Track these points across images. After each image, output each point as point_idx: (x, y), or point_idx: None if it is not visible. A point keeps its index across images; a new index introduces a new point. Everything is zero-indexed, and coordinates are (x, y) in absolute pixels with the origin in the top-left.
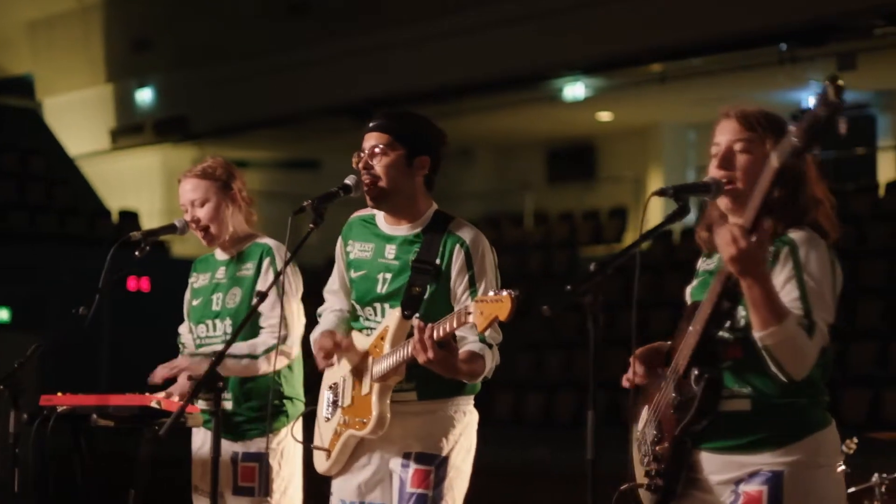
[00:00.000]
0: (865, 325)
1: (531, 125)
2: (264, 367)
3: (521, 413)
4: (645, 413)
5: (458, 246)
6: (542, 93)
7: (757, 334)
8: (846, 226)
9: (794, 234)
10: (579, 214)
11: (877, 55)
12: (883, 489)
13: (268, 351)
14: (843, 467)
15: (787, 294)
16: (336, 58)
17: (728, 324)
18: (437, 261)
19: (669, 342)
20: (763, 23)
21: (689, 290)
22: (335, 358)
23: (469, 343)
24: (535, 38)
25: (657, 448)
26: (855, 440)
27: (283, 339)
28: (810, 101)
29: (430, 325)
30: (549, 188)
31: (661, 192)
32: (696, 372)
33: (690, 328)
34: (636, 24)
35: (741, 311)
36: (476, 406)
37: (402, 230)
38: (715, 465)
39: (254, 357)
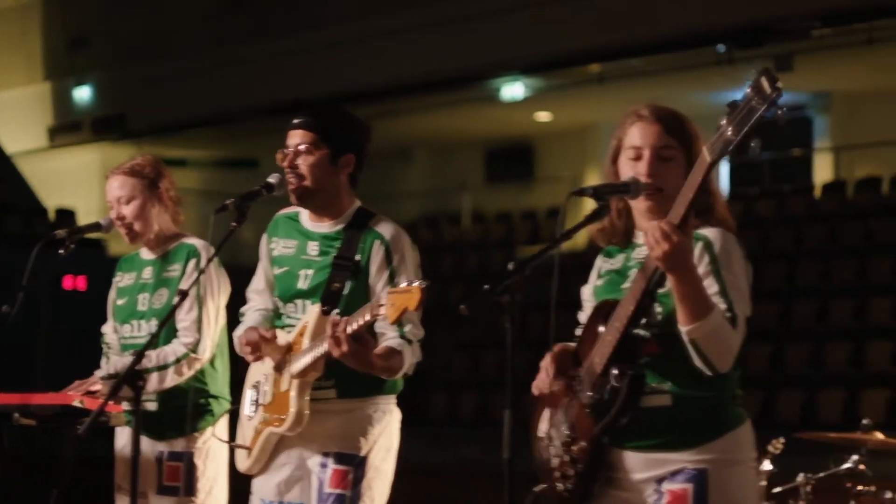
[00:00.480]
0: (801, 325)
1: (469, 125)
2: (174, 378)
3: (457, 413)
4: (547, 415)
5: (377, 242)
6: (481, 93)
7: (684, 328)
8: (783, 227)
9: (707, 231)
10: (517, 214)
11: (814, 57)
12: (808, 489)
13: (178, 361)
14: (770, 467)
15: (707, 289)
16: (274, 57)
17: (644, 321)
18: (357, 257)
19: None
20: (701, 24)
21: (589, 288)
22: (263, 349)
23: (388, 339)
24: (473, 37)
25: (573, 449)
26: (781, 440)
27: (194, 346)
28: (746, 92)
29: (343, 318)
30: (487, 188)
31: (580, 192)
32: (616, 370)
33: (605, 326)
34: (574, 25)
35: (657, 307)
36: (412, 406)
37: (325, 227)
38: (636, 463)
39: (163, 368)
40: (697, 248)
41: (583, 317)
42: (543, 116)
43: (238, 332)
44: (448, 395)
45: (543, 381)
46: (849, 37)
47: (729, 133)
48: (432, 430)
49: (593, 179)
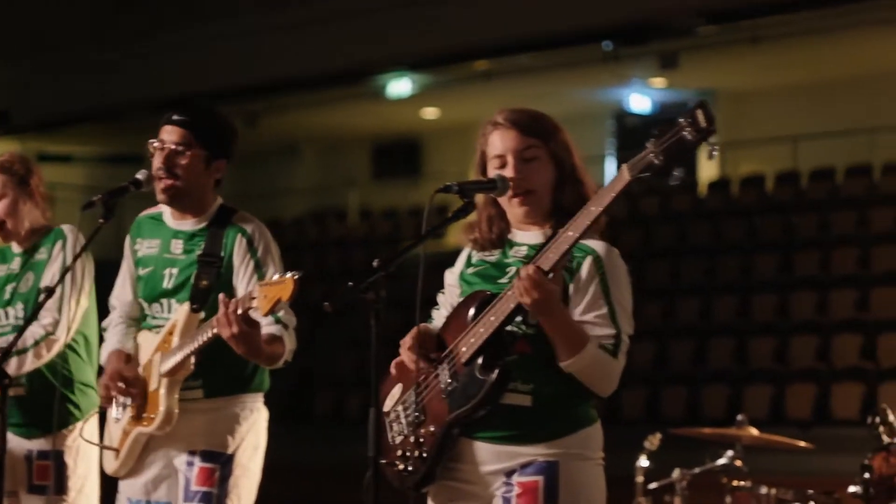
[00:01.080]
0: (685, 322)
1: (356, 121)
2: (34, 362)
3: (343, 411)
4: (397, 392)
5: (239, 236)
6: (367, 89)
7: (562, 363)
8: (668, 225)
9: (594, 244)
10: (404, 211)
11: (699, 54)
12: (684, 484)
13: (37, 343)
14: (647, 463)
15: (596, 309)
16: (160, 52)
17: (519, 318)
18: (222, 253)
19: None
20: (587, 21)
21: (457, 274)
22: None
23: (265, 326)
24: (360, 33)
25: (420, 431)
26: (659, 436)
27: (52, 326)
28: (680, 121)
29: (234, 299)
30: (374, 185)
31: (445, 189)
32: (484, 363)
33: (478, 317)
34: (462, 21)
35: None
36: (297, 405)
37: (188, 225)
38: (486, 455)
39: (23, 352)
40: (587, 262)
41: (442, 299)
42: (430, 113)
43: (103, 357)
44: (334, 393)
45: (403, 358)
46: (734, 34)
47: (652, 157)
48: (318, 429)
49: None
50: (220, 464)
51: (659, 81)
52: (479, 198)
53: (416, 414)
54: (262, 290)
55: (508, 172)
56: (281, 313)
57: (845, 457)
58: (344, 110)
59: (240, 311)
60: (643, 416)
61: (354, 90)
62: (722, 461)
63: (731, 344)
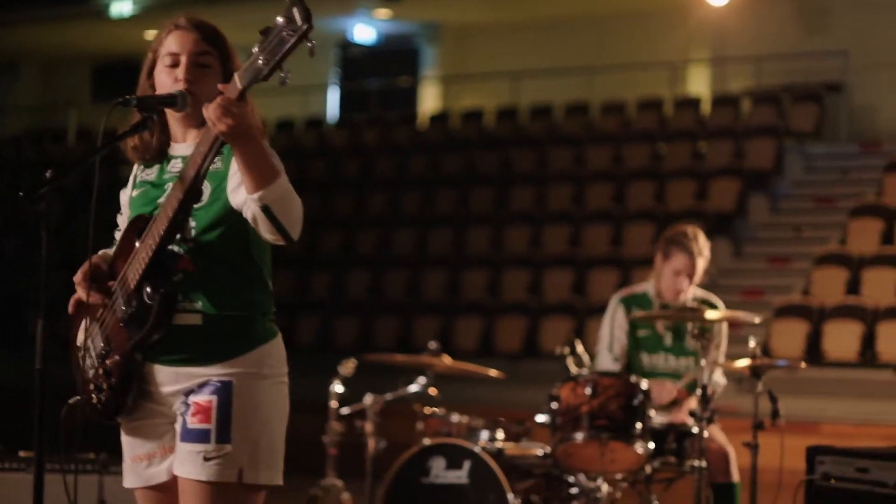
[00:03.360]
0: (400, 253)
1: (77, 41)
2: None
3: (55, 334)
4: (84, 326)
5: None
6: (89, 8)
7: (255, 195)
8: (388, 156)
9: None
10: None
11: None
12: (376, 409)
13: None
14: (341, 388)
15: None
16: None
17: (178, 236)
18: None
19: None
20: None
21: (126, 196)
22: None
23: None
24: None
25: (107, 362)
26: (353, 361)
27: None
28: (279, 21)
29: None
30: (94, 106)
31: (124, 102)
32: (149, 287)
33: (140, 242)
34: None
35: (192, 223)
36: (8, 328)
37: None
38: (166, 377)
39: None
40: None
41: (121, 220)
42: (153, 35)
43: None
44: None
45: (79, 293)
46: None
47: (260, 62)
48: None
49: None
50: None
51: (383, 13)
52: None
53: (102, 345)
54: None
55: (179, 72)
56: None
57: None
58: (65, 28)
59: None
60: (355, 346)
61: (76, 8)
62: (414, 388)
63: (444, 276)
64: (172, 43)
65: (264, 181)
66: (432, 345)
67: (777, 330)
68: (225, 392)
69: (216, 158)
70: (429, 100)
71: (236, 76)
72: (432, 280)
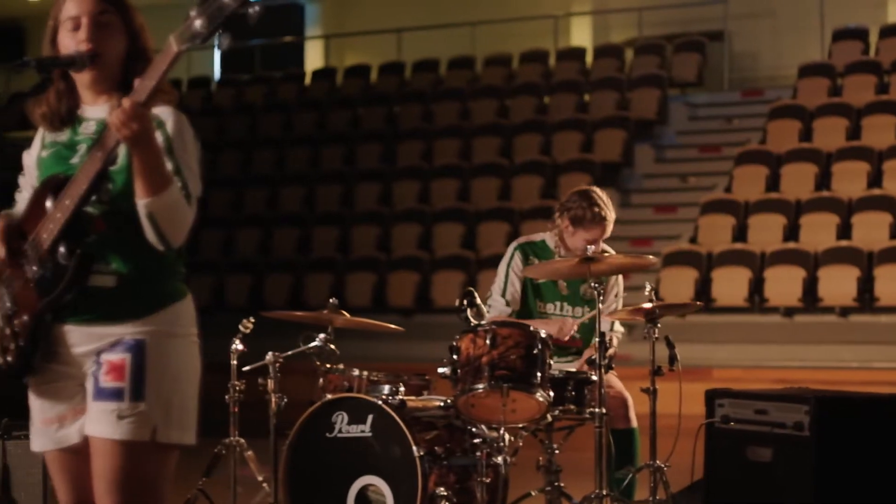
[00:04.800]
0: (288, 211)
1: None
2: None
3: None
4: None
5: None
6: None
7: (144, 201)
8: (273, 114)
9: (159, 111)
10: (4, 98)
11: None
12: (277, 366)
13: None
14: (241, 346)
15: None
16: None
17: (94, 198)
18: None
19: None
20: None
21: (33, 157)
22: None
23: None
24: None
25: (15, 322)
26: (252, 319)
27: None
28: None
29: None
30: None
31: (22, 64)
32: (64, 248)
33: (54, 202)
34: None
35: (108, 185)
36: None
37: None
38: (77, 338)
39: None
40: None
41: (23, 181)
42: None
43: None
44: None
45: None
46: None
47: (198, 26)
48: None
49: None
50: None
51: None
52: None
53: (9, 305)
54: None
55: (81, 34)
56: None
57: (445, 343)
58: None
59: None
60: (247, 304)
61: None
62: (314, 344)
63: (335, 232)
64: (71, 7)
65: (154, 190)
66: (333, 301)
67: (666, 277)
68: (138, 350)
69: None
70: (314, 58)
71: (172, 38)
72: (322, 237)
